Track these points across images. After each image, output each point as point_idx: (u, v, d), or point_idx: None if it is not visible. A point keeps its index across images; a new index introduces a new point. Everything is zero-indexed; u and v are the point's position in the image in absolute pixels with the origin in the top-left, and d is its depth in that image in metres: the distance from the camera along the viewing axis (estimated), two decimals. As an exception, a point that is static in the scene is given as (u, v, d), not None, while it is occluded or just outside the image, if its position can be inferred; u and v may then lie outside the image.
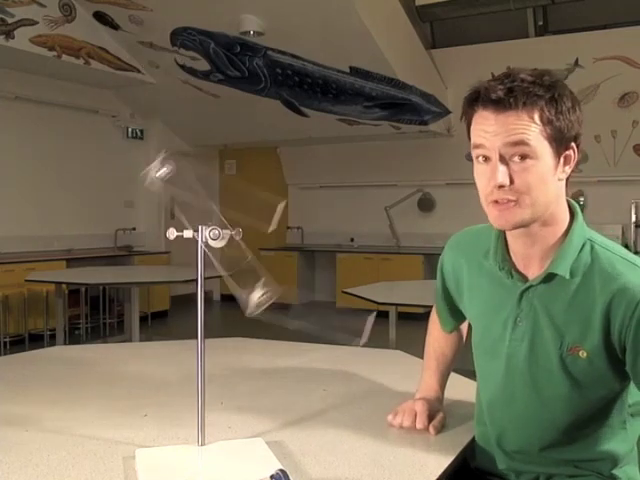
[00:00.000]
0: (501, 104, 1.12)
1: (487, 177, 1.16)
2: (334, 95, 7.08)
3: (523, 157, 1.13)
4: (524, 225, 1.18)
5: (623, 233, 7.13)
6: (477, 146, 1.16)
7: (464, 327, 1.54)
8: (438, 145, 7.79)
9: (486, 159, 1.16)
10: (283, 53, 6.56)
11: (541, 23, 7.21)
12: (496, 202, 1.16)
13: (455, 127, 7.47)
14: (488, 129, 1.14)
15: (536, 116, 1.12)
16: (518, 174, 1.13)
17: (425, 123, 7.36)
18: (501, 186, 1.13)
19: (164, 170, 1.17)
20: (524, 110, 1.11)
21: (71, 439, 1.31)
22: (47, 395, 1.63)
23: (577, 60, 6.84)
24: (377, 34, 6.16)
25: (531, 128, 1.12)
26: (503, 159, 1.13)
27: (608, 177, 7.18)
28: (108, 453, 1.24)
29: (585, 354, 1.17)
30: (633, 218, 7.16)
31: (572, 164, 1.18)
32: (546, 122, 1.12)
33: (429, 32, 7.60)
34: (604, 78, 6.80)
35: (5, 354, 5.08)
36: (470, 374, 1.67)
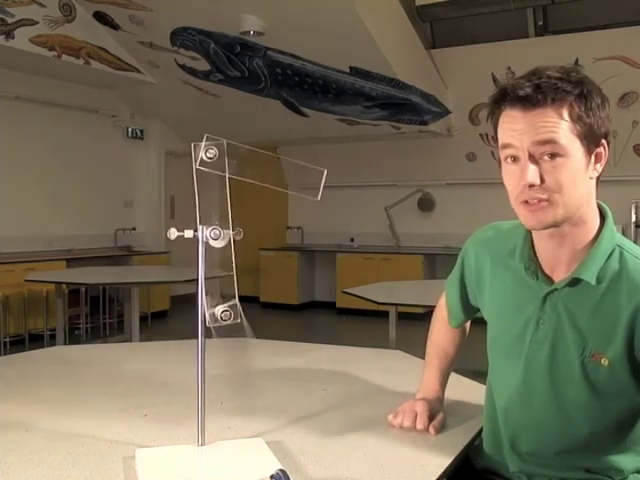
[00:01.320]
0: (529, 101, 1.09)
1: (517, 177, 1.13)
2: (334, 95, 7.07)
3: (553, 155, 1.10)
4: (556, 225, 1.15)
5: (623, 233, 7.09)
6: (505, 146, 1.14)
7: (467, 324, 1.52)
8: (438, 145, 7.78)
9: (515, 159, 1.13)
10: (283, 53, 6.56)
11: (541, 23, 7.20)
12: (526, 202, 1.13)
13: (455, 127, 7.47)
14: (516, 127, 1.11)
15: (565, 113, 1.10)
16: (548, 173, 1.10)
17: (425, 123, 7.36)
18: (532, 185, 1.11)
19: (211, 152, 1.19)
20: (553, 107, 1.09)
21: (71, 439, 1.31)
22: (47, 395, 1.63)
23: (577, 60, 6.83)
24: (377, 34, 6.16)
25: (560, 125, 1.09)
26: (533, 158, 1.11)
27: (608, 177, 7.00)
28: (108, 453, 1.24)
29: (607, 362, 1.14)
30: (633, 218, 7.16)
31: (603, 162, 1.16)
32: (576, 119, 1.10)
33: (429, 32, 7.59)
34: (604, 78, 6.78)
35: (5, 354, 5.08)
36: (471, 374, 1.67)
